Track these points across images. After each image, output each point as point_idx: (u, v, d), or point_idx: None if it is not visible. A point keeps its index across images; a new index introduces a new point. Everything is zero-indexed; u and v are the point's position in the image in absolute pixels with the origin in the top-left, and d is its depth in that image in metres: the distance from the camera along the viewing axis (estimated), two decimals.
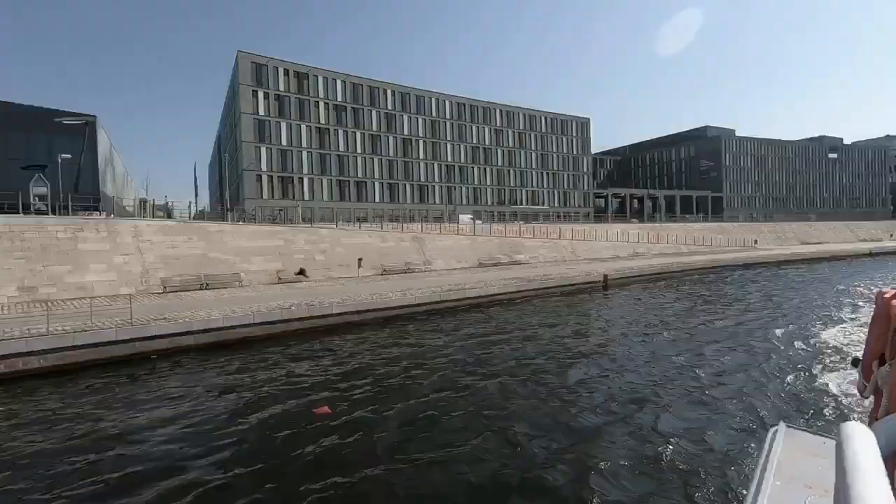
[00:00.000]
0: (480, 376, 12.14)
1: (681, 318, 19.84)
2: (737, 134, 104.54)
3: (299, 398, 10.70)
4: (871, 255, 54.35)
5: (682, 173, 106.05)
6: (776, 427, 3.09)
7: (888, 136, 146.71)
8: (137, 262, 24.77)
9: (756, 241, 64.77)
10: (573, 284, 27.90)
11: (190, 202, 37.11)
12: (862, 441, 0.86)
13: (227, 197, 51.73)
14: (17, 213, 23.87)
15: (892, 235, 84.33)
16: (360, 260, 31.51)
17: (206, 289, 24.85)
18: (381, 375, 12.36)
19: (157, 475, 7.27)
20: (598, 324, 19.55)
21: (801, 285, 30.09)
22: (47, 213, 24.64)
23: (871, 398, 2.44)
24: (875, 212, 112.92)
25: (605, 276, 29.66)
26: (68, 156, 28.27)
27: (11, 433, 9.07)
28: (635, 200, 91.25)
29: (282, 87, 57.75)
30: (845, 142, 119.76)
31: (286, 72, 58.24)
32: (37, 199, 26.89)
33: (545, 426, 8.89)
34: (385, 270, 32.70)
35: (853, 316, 19.38)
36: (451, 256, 38.02)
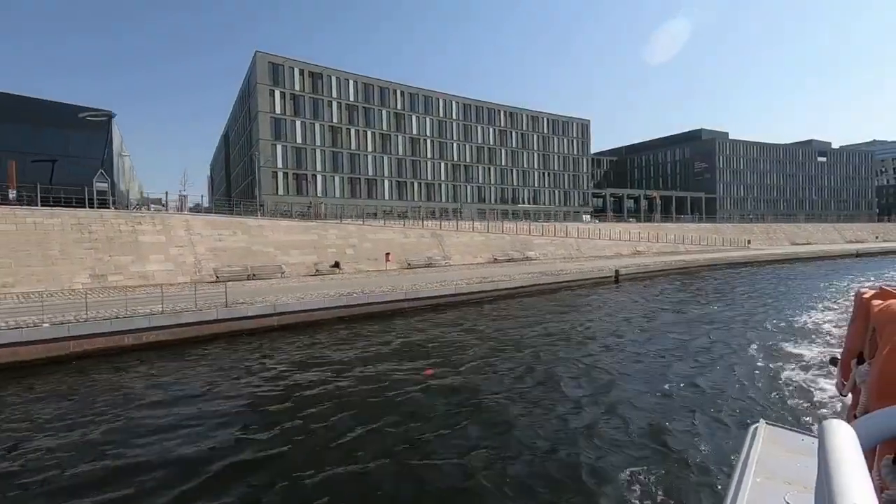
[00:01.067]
0: (529, 349, 14.45)
1: (684, 307, 22.30)
2: (730, 137, 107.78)
3: (398, 364, 12.93)
4: (857, 255, 57.52)
5: (676, 174, 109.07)
6: (756, 424, 3.12)
7: (874, 140, 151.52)
8: (190, 253, 26.76)
9: (749, 242, 67.79)
10: (589, 279, 30.36)
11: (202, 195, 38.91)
12: (843, 437, 0.90)
13: (257, 191, 53.36)
14: (84, 206, 25.69)
15: (877, 237, 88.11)
16: (387, 254, 33.65)
17: (253, 279, 26.88)
18: (456, 348, 14.59)
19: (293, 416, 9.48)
20: (615, 310, 21.92)
21: (792, 282, 32.75)
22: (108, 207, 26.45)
23: (850, 396, 2.48)
24: (861, 214, 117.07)
25: (617, 271, 32.16)
26: (127, 155, 29.97)
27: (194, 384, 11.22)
28: (631, 200, 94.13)
29: (297, 87, 59.52)
30: (833, 146, 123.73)
31: (301, 72, 59.99)
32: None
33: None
34: (409, 264, 34.89)
35: (836, 312, 21.69)
36: (467, 252, 40.29)
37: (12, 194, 27.10)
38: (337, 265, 31.03)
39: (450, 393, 10.65)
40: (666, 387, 10.87)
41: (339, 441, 8.19)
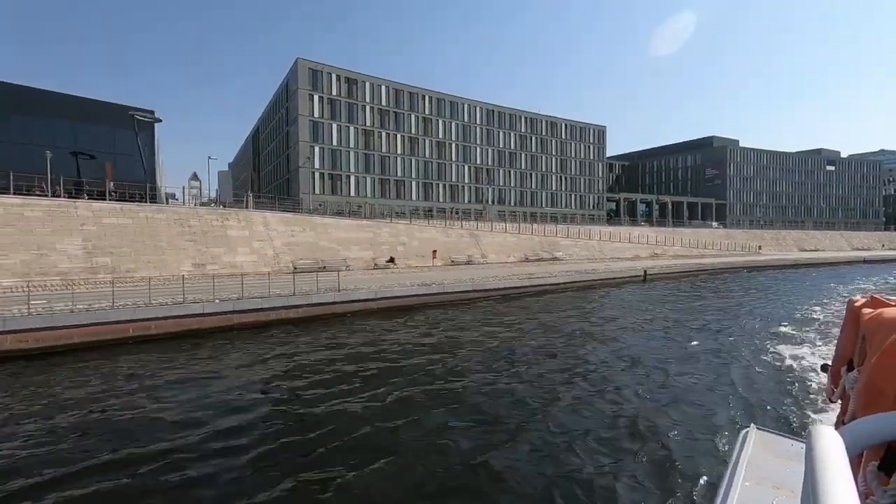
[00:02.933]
0: (592, 326, 17.63)
1: (699, 302, 25.43)
2: (741, 144, 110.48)
3: (505, 335, 16.14)
4: (864, 262, 60.46)
5: (687, 180, 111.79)
6: (747, 429, 3.17)
7: (882, 150, 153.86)
8: (269, 246, 30.06)
9: (760, 247, 70.70)
10: (621, 277, 33.54)
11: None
12: (830, 443, 0.91)
13: (307, 189, 57.13)
14: (183, 204, 29.03)
15: (882, 245, 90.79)
16: (434, 251, 36.92)
17: (324, 271, 30.10)
18: (541, 325, 17.77)
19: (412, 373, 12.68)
20: (649, 301, 25.04)
21: (805, 284, 35.74)
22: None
23: (839, 402, 2.46)
24: (868, 222, 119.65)
25: (645, 271, 35.33)
26: (216, 158, 33.25)
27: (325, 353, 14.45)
28: (644, 205, 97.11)
29: (334, 92, 62.85)
30: (842, 155, 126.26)
31: (338, 77, 63.32)
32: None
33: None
34: (452, 261, 38.08)
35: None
36: (501, 251, 43.48)
37: (111, 186, 30.56)
38: (392, 260, 34.27)
39: (553, 355, 13.86)
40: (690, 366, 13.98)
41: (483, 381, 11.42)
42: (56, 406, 9.83)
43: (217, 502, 6.37)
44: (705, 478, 6.87)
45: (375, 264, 33.48)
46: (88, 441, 8.17)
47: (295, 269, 29.29)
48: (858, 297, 2.65)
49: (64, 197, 25.52)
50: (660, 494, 6.60)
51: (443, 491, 6.73)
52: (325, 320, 18.27)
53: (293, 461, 7.46)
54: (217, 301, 16.41)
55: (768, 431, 3.29)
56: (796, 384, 11.50)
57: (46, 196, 26.06)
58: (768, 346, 15.34)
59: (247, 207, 32.12)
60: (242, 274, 22.05)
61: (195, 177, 31.87)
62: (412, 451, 7.85)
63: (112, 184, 30.32)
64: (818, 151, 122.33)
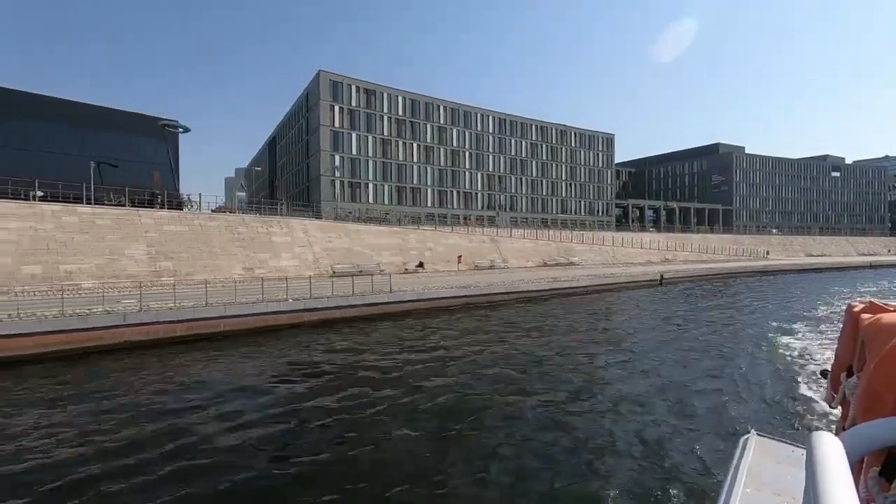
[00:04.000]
0: (625, 322, 19.40)
1: (712, 303, 27.15)
2: (746, 151, 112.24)
3: (550, 333, 17.94)
4: (871, 266, 61.94)
5: (694, 186, 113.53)
6: (747, 435, 3.17)
7: (887, 156, 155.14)
8: (309, 252, 32.00)
9: (768, 252, 72.26)
10: (639, 281, 35.32)
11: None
12: (830, 449, 0.91)
13: (336, 197, 59.25)
14: (233, 212, 31.03)
15: (888, 251, 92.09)
16: (459, 257, 38.78)
17: (360, 275, 31.96)
18: (582, 322, 19.56)
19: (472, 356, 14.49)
20: (665, 301, 26.78)
21: (818, 287, 37.34)
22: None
23: (840, 408, 2.47)
24: (873, 228, 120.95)
25: (661, 275, 37.07)
26: (258, 168, 35.33)
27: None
28: (651, 211, 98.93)
29: (353, 103, 65.13)
30: (847, 161, 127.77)
31: (357, 89, 65.62)
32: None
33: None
34: (476, 266, 39.91)
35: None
36: (520, 256, 45.29)
37: (159, 199, 32.62)
38: (421, 265, 36.15)
39: (597, 346, 15.67)
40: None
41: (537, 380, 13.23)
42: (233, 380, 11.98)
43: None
44: (705, 484, 6.88)
45: (406, 269, 35.35)
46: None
47: (334, 273, 31.18)
48: (857, 301, 2.65)
49: (128, 206, 27.53)
50: (660, 497, 6.65)
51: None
52: (380, 318, 20.11)
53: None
54: (290, 300, 18.30)
55: (768, 437, 3.28)
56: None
57: (105, 205, 28.09)
58: (794, 346, 17.09)
59: (281, 215, 34.11)
60: (310, 277, 23.97)
61: (241, 187, 33.86)
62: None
63: (160, 193, 32.43)
64: (823, 158, 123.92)
